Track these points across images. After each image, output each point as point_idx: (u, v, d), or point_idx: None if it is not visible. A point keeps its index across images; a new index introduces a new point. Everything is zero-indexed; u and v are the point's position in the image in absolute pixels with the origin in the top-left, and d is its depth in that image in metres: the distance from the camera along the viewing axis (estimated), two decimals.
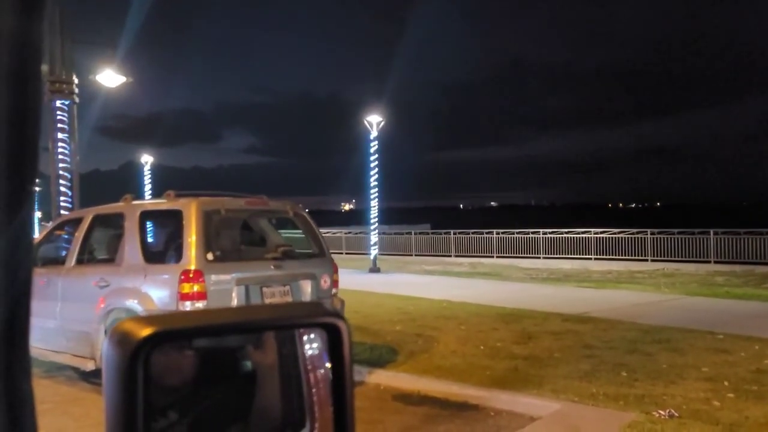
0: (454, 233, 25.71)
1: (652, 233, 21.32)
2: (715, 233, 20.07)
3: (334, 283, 6.34)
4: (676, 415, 4.94)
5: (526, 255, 23.62)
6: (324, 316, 0.73)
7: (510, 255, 23.94)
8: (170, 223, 5.70)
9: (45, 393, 6.25)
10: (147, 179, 28.36)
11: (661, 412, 4.95)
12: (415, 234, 27.15)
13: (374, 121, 18.51)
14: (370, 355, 7.30)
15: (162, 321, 0.63)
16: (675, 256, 20.57)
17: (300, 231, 6.75)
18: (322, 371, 0.77)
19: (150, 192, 27.38)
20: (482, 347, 7.68)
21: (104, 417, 0.59)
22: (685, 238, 20.67)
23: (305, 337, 0.80)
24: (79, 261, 6.26)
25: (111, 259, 5.98)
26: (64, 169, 11.39)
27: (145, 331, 0.59)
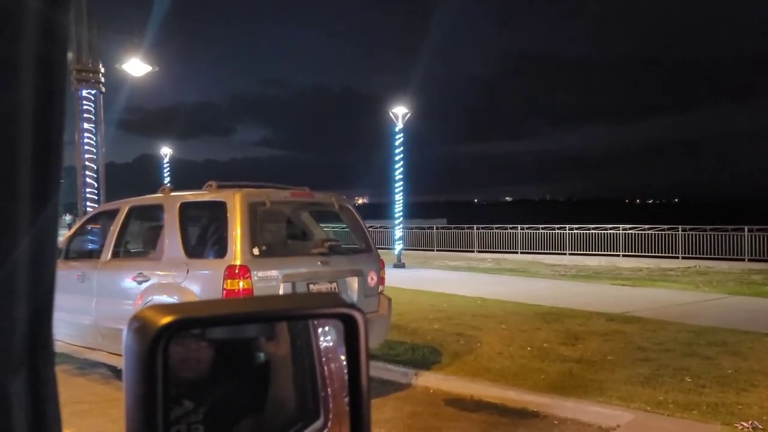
0: (477, 228, 25.29)
1: (683, 230, 20.76)
2: (750, 230, 19.49)
3: (381, 280, 6.01)
4: (760, 427, 4.56)
5: (550, 251, 23.15)
6: (339, 307, 0.71)
7: (534, 251, 23.49)
8: (213, 215, 5.40)
9: (80, 392, 6.01)
10: (166, 172, 28.22)
11: (744, 424, 4.57)
12: (437, 229, 26.77)
13: (400, 112, 18.11)
14: (413, 356, 6.98)
15: (181, 309, 0.63)
16: (707, 254, 20.01)
17: (342, 224, 6.41)
18: (336, 363, 0.76)
19: (170, 183, 27.21)
20: (529, 348, 7.32)
21: (124, 403, 0.58)
22: (718, 235, 20.09)
23: (320, 330, 0.79)
24: (115, 254, 5.98)
25: (151, 253, 5.69)
26: (90, 160, 11.18)
27: (165, 319, 0.59)
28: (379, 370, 6.47)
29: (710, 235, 20.31)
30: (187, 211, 5.51)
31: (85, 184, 11.07)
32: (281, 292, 5.07)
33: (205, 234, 5.52)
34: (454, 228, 26.52)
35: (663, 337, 7.95)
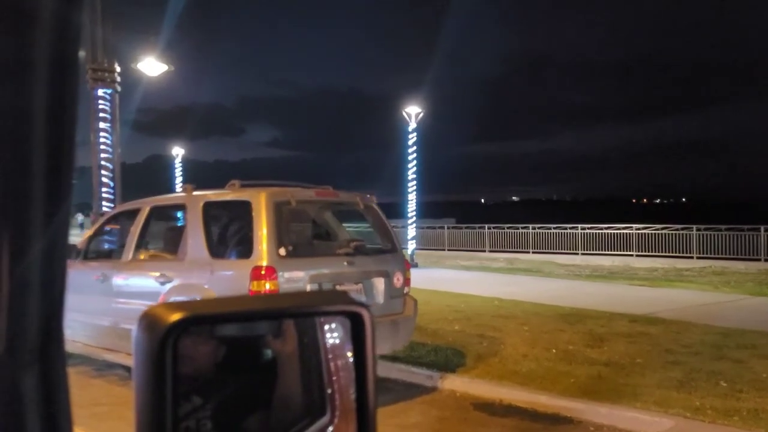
0: (488, 228, 25.13)
1: (698, 229, 20.52)
2: (766, 230, 19.23)
3: (406, 281, 5.88)
4: None
5: (563, 251, 22.95)
6: (347, 305, 0.72)
7: (546, 251, 23.30)
8: (237, 215, 5.28)
9: (98, 394, 5.92)
10: (178, 172, 28.17)
11: None
12: (448, 228, 26.62)
13: (413, 112, 17.98)
14: (436, 358, 6.85)
15: (189, 307, 0.64)
16: (722, 254, 19.77)
17: (362, 224, 6.29)
18: (343, 360, 0.76)
19: (181, 184, 27.16)
20: (554, 350, 7.18)
21: (134, 399, 0.59)
22: (733, 235, 19.84)
23: (326, 327, 0.80)
24: (137, 255, 5.87)
25: (173, 253, 5.58)
26: (105, 159, 11.12)
27: (174, 316, 0.60)
28: (402, 372, 6.35)
29: (725, 234, 20.07)
30: (210, 210, 5.40)
31: (101, 184, 11.01)
32: None
33: (229, 234, 5.41)
34: (466, 227, 26.36)
35: (690, 339, 7.78)
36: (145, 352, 0.59)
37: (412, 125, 18.01)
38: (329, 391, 0.81)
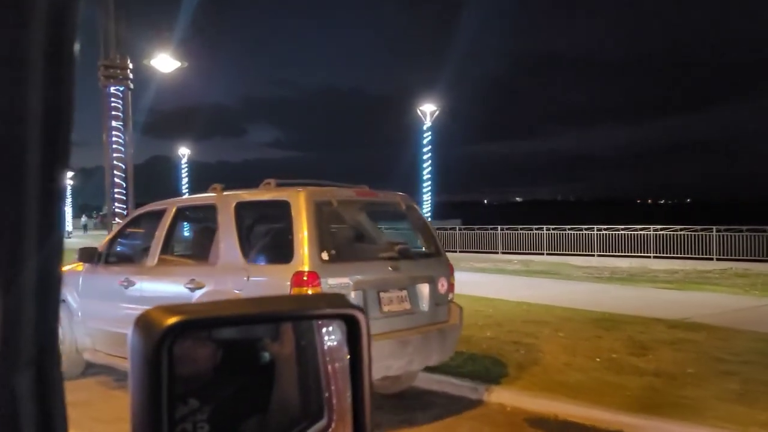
0: (501, 229, 24.72)
1: (718, 230, 20.11)
2: None
3: (450, 286, 5.51)
4: None
5: (578, 252, 22.54)
6: (343, 308, 0.73)
7: (561, 252, 22.90)
8: (274, 216, 4.92)
9: (121, 407, 5.51)
10: (184, 173, 27.79)
11: None
12: (459, 229, 26.20)
13: (428, 110, 17.61)
14: (475, 368, 6.48)
15: (186, 310, 0.63)
16: (743, 255, 19.36)
17: (391, 225, 5.92)
18: (341, 363, 0.76)
19: (187, 185, 26.83)
20: (598, 359, 6.80)
21: (130, 402, 0.59)
22: (755, 236, 19.43)
23: (324, 330, 0.80)
24: (163, 259, 5.51)
25: (203, 257, 5.21)
26: (118, 159, 10.78)
27: (171, 320, 0.60)
28: (444, 384, 5.99)
29: (746, 235, 19.66)
30: (244, 211, 5.03)
31: (113, 184, 10.67)
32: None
33: (265, 237, 5.04)
34: (478, 228, 25.94)
35: (737, 346, 7.40)
36: (141, 355, 0.58)
37: (427, 123, 17.66)
38: (326, 394, 0.80)
